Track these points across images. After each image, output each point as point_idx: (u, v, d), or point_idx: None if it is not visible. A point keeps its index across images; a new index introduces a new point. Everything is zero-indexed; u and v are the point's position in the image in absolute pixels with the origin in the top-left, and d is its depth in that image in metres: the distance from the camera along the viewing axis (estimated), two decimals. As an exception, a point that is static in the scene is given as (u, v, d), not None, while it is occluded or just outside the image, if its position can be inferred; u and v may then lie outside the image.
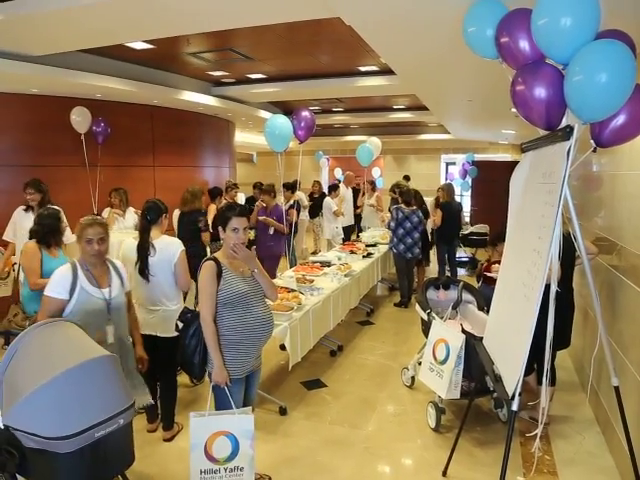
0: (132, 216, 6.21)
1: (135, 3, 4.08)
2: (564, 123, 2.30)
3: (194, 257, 4.25)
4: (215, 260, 2.88)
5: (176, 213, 6.43)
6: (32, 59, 5.82)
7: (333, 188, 9.36)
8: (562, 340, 3.76)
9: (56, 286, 2.83)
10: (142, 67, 7.46)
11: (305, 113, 6.21)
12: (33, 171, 7.01)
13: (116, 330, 2.96)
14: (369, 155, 9.29)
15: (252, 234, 6.68)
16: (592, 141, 2.34)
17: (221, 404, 2.91)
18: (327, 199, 9.04)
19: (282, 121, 5.87)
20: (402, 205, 7.38)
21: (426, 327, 4.25)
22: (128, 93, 7.43)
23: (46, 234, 3.78)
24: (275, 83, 9.02)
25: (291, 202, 7.91)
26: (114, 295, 2.97)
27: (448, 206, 8.07)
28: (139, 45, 6.19)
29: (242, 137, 14.09)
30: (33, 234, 3.81)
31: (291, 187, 8.25)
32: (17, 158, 7.00)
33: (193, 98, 8.46)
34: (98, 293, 2.91)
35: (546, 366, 2.39)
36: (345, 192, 9.79)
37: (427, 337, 4.06)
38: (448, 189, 8.37)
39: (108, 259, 3.08)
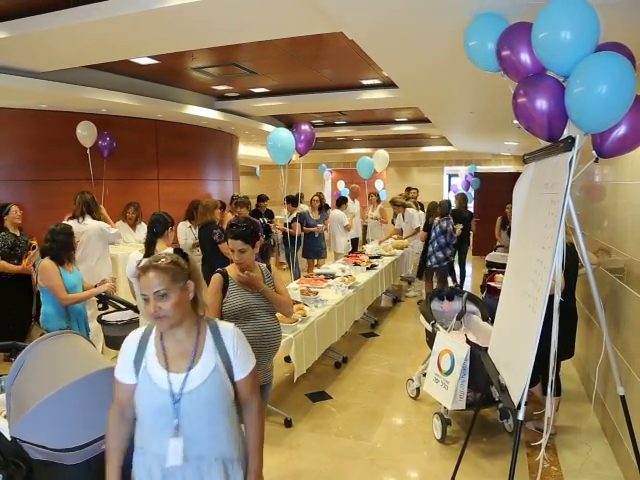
0: (144, 230, 6.28)
1: (140, 19, 4.14)
2: (566, 134, 2.33)
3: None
4: (223, 273, 2.94)
5: (181, 226, 6.48)
6: (39, 75, 5.90)
7: (343, 201, 9.35)
8: (566, 350, 3.76)
9: (120, 362, 1.88)
10: (147, 82, 7.54)
11: (305, 127, 6.28)
12: (40, 185, 7.12)
13: (191, 448, 1.78)
14: (369, 168, 9.34)
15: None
16: (594, 152, 2.36)
17: None
18: (337, 212, 8.94)
19: (284, 134, 5.92)
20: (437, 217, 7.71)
21: (430, 338, 4.25)
22: (133, 108, 7.50)
23: (60, 250, 3.80)
24: (278, 97, 9.08)
25: (294, 215, 7.95)
26: (194, 386, 1.79)
27: (456, 213, 8.74)
28: (144, 60, 6.26)
29: (245, 150, 14.16)
30: (47, 251, 3.82)
31: (293, 200, 8.29)
32: (25, 173, 7.08)
33: (197, 112, 8.53)
34: (162, 380, 1.80)
35: (551, 376, 2.39)
36: (351, 205, 9.83)
37: (432, 348, 4.06)
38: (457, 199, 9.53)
39: (209, 319, 1.96)
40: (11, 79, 5.67)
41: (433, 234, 7.48)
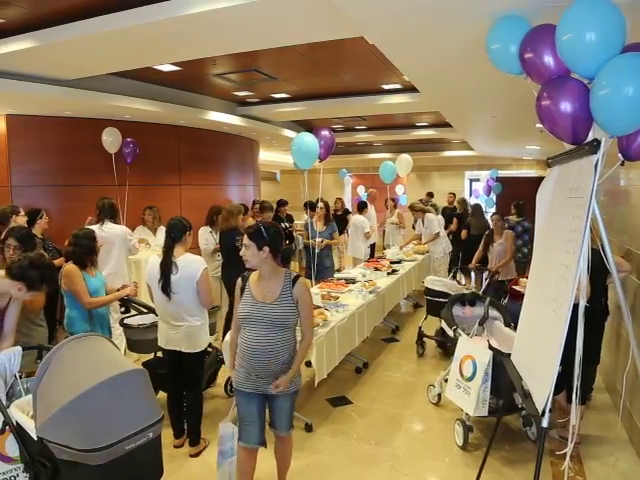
0: (163, 234, 6.34)
1: (163, 27, 4.20)
2: (591, 137, 2.29)
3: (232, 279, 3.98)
4: (243, 277, 3.03)
5: (201, 232, 6.52)
6: (65, 83, 6.03)
7: (364, 205, 9.30)
8: (590, 356, 3.68)
9: None
10: (169, 89, 7.65)
11: (325, 132, 6.28)
12: (67, 191, 7.26)
13: None
14: (392, 173, 9.32)
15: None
16: (619, 155, 2.32)
17: None
18: (359, 217, 8.76)
19: (309, 139, 5.92)
20: (510, 217, 8.26)
21: (452, 344, 4.21)
22: (156, 114, 7.61)
23: (82, 255, 3.85)
24: (299, 102, 9.13)
25: (312, 219, 7.94)
26: None
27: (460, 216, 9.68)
28: (167, 67, 6.35)
29: (266, 156, 14.25)
30: (70, 255, 3.88)
31: (312, 205, 8.28)
32: (52, 178, 7.24)
33: (218, 118, 8.62)
34: None
35: (576, 382, 2.34)
36: (370, 210, 9.81)
37: (453, 354, 4.02)
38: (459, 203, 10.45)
39: None
40: (38, 87, 5.82)
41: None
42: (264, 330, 2.86)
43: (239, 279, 3.03)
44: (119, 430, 2.08)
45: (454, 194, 12.05)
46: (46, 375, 2.21)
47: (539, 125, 2.67)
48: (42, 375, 2.21)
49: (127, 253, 5.62)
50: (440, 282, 5.73)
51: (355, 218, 8.84)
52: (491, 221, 6.73)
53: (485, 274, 6.38)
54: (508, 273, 6.59)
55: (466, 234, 8.96)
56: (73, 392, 2.07)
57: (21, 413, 2.39)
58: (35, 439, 2.14)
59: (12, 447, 2.40)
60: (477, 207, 9.24)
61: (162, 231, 6.43)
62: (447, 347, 5.68)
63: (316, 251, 6.74)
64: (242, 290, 2.98)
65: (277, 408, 3.03)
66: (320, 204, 7.26)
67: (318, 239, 6.92)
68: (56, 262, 5.02)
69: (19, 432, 2.34)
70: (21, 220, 5.13)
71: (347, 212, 11.14)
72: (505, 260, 6.50)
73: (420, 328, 6.04)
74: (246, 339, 2.89)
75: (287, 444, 3.17)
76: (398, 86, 7.95)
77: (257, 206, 8.87)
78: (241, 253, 2.93)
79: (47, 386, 2.18)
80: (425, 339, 6.03)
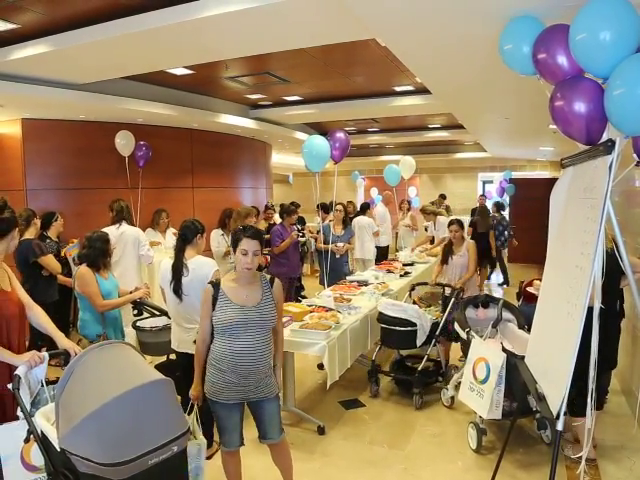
0: (172, 237, 6.38)
1: (177, 31, 4.23)
2: (605, 137, 2.27)
3: None
4: (214, 284, 2.89)
5: (213, 234, 6.54)
6: (79, 87, 6.09)
7: (367, 206, 9.27)
8: (607, 360, 3.64)
9: None
10: (182, 92, 7.69)
11: (340, 134, 6.27)
12: (80, 194, 7.33)
13: None
14: (396, 175, 9.29)
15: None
16: (635, 155, 2.30)
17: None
18: (363, 218, 8.70)
19: (320, 142, 5.93)
20: (496, 214, 10.04)
21: (465, 346, 4.19)
22: (168, 117, 7.66)
23: (96, 257, 3.88)
24: (311, 105, 9.15)
25: (327, 222, 7.93)
26: None
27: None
28: (179, 71, 6.39)
29: (278, 158, 14.27)
30: (84, 258, 3.91)
31: (325, 207, 8.26)
32: (65, 181, 7.30)
33: (231, 121, 8.65)
34: None
35: (590, 385, 2.32)
36: (384, 211, 9.78)
37: (466, 356, 3.99)
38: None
39: None
40: (53, 91, 5.89)
41: (501, 227, 9.90)
42: (253, 333, 2.79)
43: (210, 287, 2.87)
44: (142, 443, 1.98)
45: (485, 196, 12.19)
46: (69, 383, 2.12)
47: (553, 126, 2.64)
48: (65, 383, 2.12)
49: (138, 259, 5.60)
50: (397, 307, 4.85)
51: (359, 220, 8.66)
52: (449, 232, 5.77)
53: (448, 291, 5.34)
54: (470, 288, 5.59)
55: (471, 232, 9.07)
56: (96, 403, 1.96)
57: (46, 422, 2.28)
58: (58, 450, 2.05)
59: (37, 456, 2.30)
60: (483, 207, 9.95)
61: (171, 233, 6.49)
62: (405, 383, 4.97)
63: (336, 256, 6.64)
64: (215, 298, 2.83)
65: (267, 414, 2.93)
66: (339, 207, 7.05)
67: (340, 244, 6.76)
68: (65, 280, 5.11)
69: (43, 442, 2.24)
70: (37, 223, 5.22)
71: (359, 214, 11.12)
72: (469, 274, 5.60)
73: (374, 362, 5.00)
74: (232, 346, 2.77)
75: (284, 448, 3.09)
76: (410, 88, 7.93)
77: (270, 211, 8.91)
78: (250, 264, 2.79)
79: (69, 395, 2.09)
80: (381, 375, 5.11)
